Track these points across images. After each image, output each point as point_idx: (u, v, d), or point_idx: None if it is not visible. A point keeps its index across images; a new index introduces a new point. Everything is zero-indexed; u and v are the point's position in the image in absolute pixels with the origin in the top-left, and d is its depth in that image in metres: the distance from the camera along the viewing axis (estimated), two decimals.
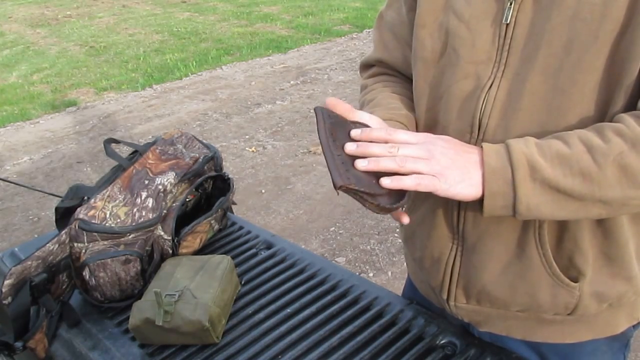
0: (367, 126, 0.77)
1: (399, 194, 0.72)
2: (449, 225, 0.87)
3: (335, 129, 0.75)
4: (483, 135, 0.78)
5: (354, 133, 0.73)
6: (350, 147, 0.72)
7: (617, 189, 0.67)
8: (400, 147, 0.71)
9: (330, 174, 0.69)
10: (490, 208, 0.71)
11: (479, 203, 0.72)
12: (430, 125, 0.88)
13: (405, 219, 0.76)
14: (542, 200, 0.69)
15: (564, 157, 0.68)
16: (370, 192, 0.70)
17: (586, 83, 0.71)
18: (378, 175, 0.71)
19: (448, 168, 0.70)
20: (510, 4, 0.75)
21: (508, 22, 0.76)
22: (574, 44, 0.71)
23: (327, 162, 0.71)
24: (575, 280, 0.81)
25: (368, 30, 6.97)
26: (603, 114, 0.73)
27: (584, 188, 0.68)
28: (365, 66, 1.05)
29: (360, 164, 0.70)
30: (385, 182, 0.70)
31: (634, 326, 0.91)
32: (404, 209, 0.75)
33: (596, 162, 0.67)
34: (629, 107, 0.71)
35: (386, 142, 0.72)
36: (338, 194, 0.70)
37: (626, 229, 0.79)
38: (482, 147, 0.72)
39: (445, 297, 0.92)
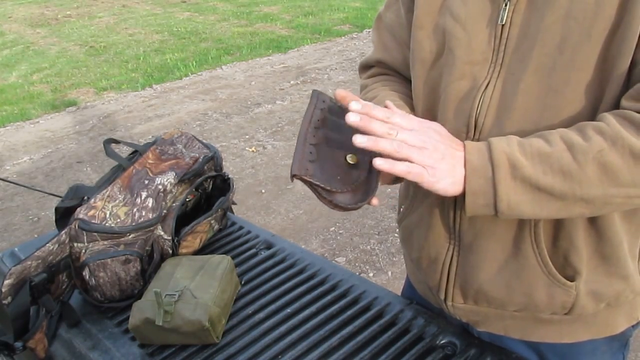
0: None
1: (362, 196, 0.71)
2: (446, 225, 0.88)
3: (325, 117, 0.74)
4: (479, 135, 0.79)
5: (354, 105, 0.70)
6: (353, 118, 0.69)
7: (598, 187, 0.68)
8: (399, 131, 0.71)
9: (292, 160, 0.69)
10: (471, 207, 0.71)
11: (463, 203, 0.73)
12: None
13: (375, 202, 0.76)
14: (522, 198, 0.69)
15: (544, 155, 0.69)
16: (326, 187, 0.69)
17: (579, 82, 0.72)
18: (345, 172, 0.71)
19: (438, 162, 0.70)
20: (505, 5, 0.76)
21: (503, 22, 0.76)
22: (567, 43, 0.71)
23: (295, 147, 0.71)
24: (571, 279, 0.81)
25: (368, 30, 6.97)
26: (596, 112, 0.73)
27: (564, 186, 0.68)
28: (365, 67, 1.06)
29: (359, 140, 0.68)
30: (379, 162, 0.68)
31: (633, 326, 0.91)
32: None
33: (576, 160, 0.67)
34: (617, 105, 0.71)
35: (384, 122, 0.71)
36: (292, 181, 0.70)
37: (619, 228, 0.79)
38: (465, 144, 0.73)
39: (442, 297, 0.92)
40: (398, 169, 0.69)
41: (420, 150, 0.70)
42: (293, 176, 0.68)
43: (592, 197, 0.68)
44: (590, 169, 0.67)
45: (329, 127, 0.74)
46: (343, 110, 0.76)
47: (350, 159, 0.74)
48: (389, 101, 0.80)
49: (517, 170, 0.69)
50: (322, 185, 0.70)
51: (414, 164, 0.70)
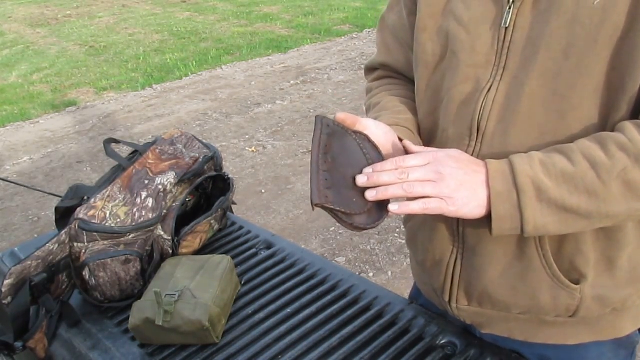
0: (366, 136, 0.78)
1: (378, 214, 0.73)
2: (450, 228, 0.87)
3: (331, 141, 0.76)
4: (482, 139, 0.78)
5: (367, 171, 0.74)
6: (361, 180, 0.73)
7: (622, 203, 0.68)
8: (410, 172, 0.72)
9: (310, 189, 0.71)
10: (498, 230, 0.72)
11: (487, 222, 0.73)
12: (431, 129, 0.88)
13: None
14: (549, 220, 0.70)
15: (568, 175, 0.68)
16: (346, 211, 0.71)
17: (585, 87, 0.71)
18: (359, 193, 0.73)
19: (456, 191, 0.71)
20: (510, 7, 0.75)
21: (507, 25, 0.76)
22: (572, 48, 0.71)
23: (310, 176, 0.72)
24: (576, 283, 0.81)
25: (368, 30, 6.97)
26: (604, 119, 0.72)
27: (590, 205, 0.68)
28: (370, 69, 1.06)
29: (370, 194, 0.72)
30: (393, 208, 0.71)
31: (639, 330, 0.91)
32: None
33: (600, 178, 0.67)
34: (633, 115, 0.71)
35: (394, 170, 0.73)
36: (314, 209, 0.71)
37: (630, 232, 0.79)
38: (487, 166, 0.72)
39: (447, 299, 0.92)
40: (413, 208, 0.71)
41: (436, 183, 0.71)
42: (315, 205, 0.70)
43: (617, 213, 0.69)
44: (615, 187, 0.67)
45: (336, 150, 0.75)
46: (346, 131, 0.77)
47: (362, 175, 0.75)
48: (407, 140, 0.80)
49: (542, 193, 0.69)
50: (343, 210, 0.71)
51: (431, 199, 0.71)
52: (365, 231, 0.75)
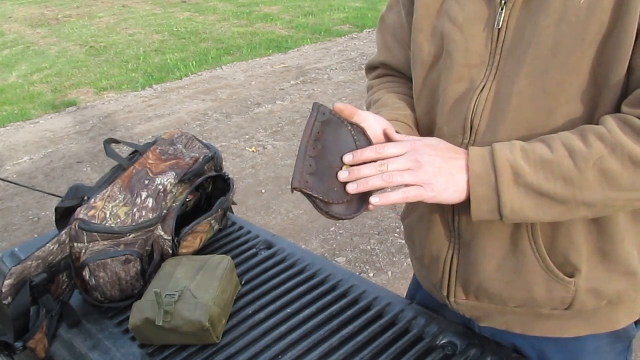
0: (362, 129, 0.79)
1: (357, 207, 0.75)
2: (445, 223, 0.89)
3: (324, 129, 0.77)
4: (475, 137, 0.80)
5: (346, 159, 0.76)
6: (343, 175, 0.75)
7: (598, 191, 0.69)
8: (389, 163, 0.74)
9: (293, 173, 0.72)
10: (476, 212, 0.74)
11: (468, 207, 0.75)
12: (429, 126, 0.90)
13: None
14: (526, 204, 0.72)
15: (546, 161, 0.70)
16: (325, 199, 0.73)
17: (572, 84, 0.73)
18: (342, 183, 0.74)
19: (434, 176, 0.73)
20: (502, 8, 0.77)
21: (500, 26, 0.78)
22: (560, 46, 0.73)
23: (296, 160, 0.74)
24: (570, 276, 0.82)
25: (368, 30, 6.97)
26: (590, 114, 0.74)
27: (565, 191, 0.70)
28: (370, 68, 1.08)
29: (350, 188, 0.73)
30: (374, 200, 0.73)
31: (636, 323, 0.91)
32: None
33: (577, 166, 0.69)
34: (616, 108, 0.72)
35: (376, 160, 0.74)
36: (292, 192, 0.73)
37: (622, 226, 0.80)
38: (468, 151, 0.75)
39: (445, 293, 0.93)
40: (394, 198, 0.73)
41: (414, 171, 0.73)
42: (293, 189, 0.72)
43: (593, 201, 0.70)
44: (591, 175, 0.69)
45: (327, 139, 0.77)
46: (342, 121, 0.78)
47: (345, 169, 0.76)
48: (389, 129, 0.81)
49: (519, 177, 0.71)
50: (321, 197, 0.73)
51: (410, 187, 0.73)
52: (342, 221, 0.76)
